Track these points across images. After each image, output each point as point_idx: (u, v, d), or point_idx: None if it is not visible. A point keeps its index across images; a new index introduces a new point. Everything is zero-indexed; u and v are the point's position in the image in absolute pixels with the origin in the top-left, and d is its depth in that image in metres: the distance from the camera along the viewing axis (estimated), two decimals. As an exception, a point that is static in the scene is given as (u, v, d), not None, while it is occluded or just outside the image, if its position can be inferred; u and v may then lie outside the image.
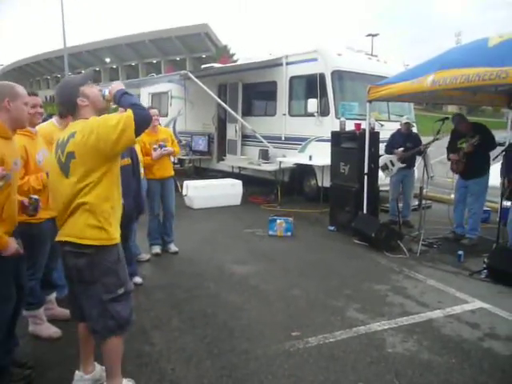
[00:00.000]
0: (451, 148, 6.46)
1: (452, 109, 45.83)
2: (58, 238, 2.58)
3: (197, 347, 3.44)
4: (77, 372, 2.84)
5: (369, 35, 43.36)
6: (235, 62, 19.28)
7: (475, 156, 6.08)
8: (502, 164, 5.63)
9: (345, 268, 5.48)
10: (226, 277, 5.06)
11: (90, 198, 2.44)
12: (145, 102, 14.48)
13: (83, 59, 58.51)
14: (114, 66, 62.03)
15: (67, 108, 2.61)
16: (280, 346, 3.48)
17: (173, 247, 5.87)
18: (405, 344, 3.58)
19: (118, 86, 2.58)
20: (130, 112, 2.37)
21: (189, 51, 54.05)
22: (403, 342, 3.61)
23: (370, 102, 6.62)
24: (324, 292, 4.63)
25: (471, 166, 6.19)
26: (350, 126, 7.24)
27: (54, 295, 3.91)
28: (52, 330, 3.58)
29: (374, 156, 6.83)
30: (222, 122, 11.74)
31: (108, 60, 57.81)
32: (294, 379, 3.05)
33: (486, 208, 7.80)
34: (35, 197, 3.00)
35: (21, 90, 2.73)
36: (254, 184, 10.28)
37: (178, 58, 56.05)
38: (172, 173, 5.68)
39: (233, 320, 3.93)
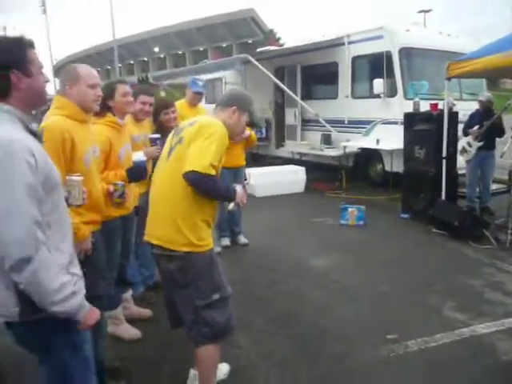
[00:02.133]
0: None
1: (510, 85, 43.25)
2: None
3: (287, 351, 3.20)
4: (192, 370, 2.70)
5: (421, 11, 41.32)
6: (282, 46, 18.84)
7: None
8: None
9: (429, 260, 5.08)
10: (304, 271, 4.79)
11: None
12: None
13: (132, 50, 59.44)
14: (162, 56, 62.68)
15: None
16: (377, 350, 3.19)
17: (242, 239, 5.66)
18: (519, 350, 3.20)
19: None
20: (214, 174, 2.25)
21: (235, 37, 53.70)
22: (516, 347, 3.24)
23: (449, 79, 6.10)
24: (413, 287, 4.28)
25: None
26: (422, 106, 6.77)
27: (129, 293, 3.78)
28: (132, 332, 3.44)
29: (453, 138, 6.32)
30: (279, 106, 11.42)
31: (156, 50, 58.44)
32: (401, 391, 2.76)
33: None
34: (121, 183, 2.85)
35: (84, 71, 2.49)
36: (316, 170, 9.94)
37: (224, 45, 55.87)
38: (244, 162, 5.39)
39: (321, 319, 3.66)
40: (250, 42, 51.37)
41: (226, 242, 5.57)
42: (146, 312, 3.77)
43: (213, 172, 2.22)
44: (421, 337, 3.35)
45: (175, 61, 59.96)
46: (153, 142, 3.68)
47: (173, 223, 2.32)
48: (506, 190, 7.49)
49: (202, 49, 58.71)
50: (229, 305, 2.49)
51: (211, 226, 2.48)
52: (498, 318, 3.66)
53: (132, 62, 64.06)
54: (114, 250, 3.20)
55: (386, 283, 4.39)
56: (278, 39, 48.75)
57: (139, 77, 45.87)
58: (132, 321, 3.53)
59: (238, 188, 2.49)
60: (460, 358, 3.09)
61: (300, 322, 3.64)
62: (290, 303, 3.97)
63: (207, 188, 2.28)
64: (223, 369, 2.85)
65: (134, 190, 3.35)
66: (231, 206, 2.61)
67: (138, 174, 3.21)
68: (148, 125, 3.99)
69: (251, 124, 2.74)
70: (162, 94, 28.66)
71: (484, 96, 6.94)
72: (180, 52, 61.18)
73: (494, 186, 7.61)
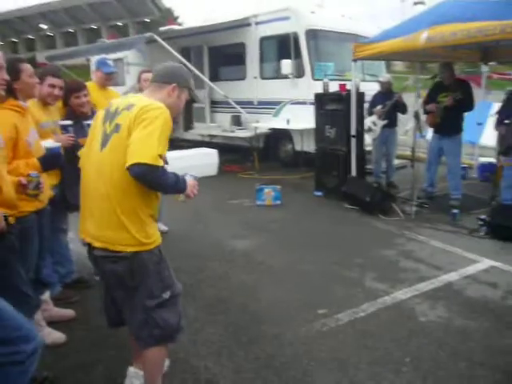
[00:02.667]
0: (430, 101, 6.26)
1: (400, 67, 46.21)
2: None
3: (224, 338, 3.17)
4: (130, 368, 2.57)
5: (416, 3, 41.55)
6: (181, 25, 18.30)
7: (453, 112, 5.95)
8: (498, 115, 5.54)
9: (346, 235, 5.33)
10: (228, 254, 4.77)
11: None
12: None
13: (15, 26, 54.47)
14: (51, 34, 58.24)
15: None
16: (310, 326, 3.28)
17: (162, 226, 5.47)
18: (435, 311, 3.47)
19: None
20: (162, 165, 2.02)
21: (131, 15, 51.37)
22: (432, 309, 3.51)
23: (356, 61, 6.35)
24: (335, 263, 4.46)
25: (446, 123, 6.06)
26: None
27: (47, 294, 3.50)
28: (56, 336, 3.18)
29: (361, 117, 6.63)
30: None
31: (44, 27, 54.13)
32: (337, 363, 2.86)
33: (463, 165, 7.87)
34: (35, 173, 2.51)
35: None
36: (227, 152, 9.90)
37: (119, 23, 53.24)
38: None
39: (252, 303, 3.68)
40: (147, 20, 49.50)
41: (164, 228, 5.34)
42: (69, 312, 3.52)
43: (161, 163, 1.99)
44: (349, 308, 3.51)
45: (66, 39, 56.04)
46: (64, 129, 3.39)
47: (117, 222, 2.10)
48: (410, 165, 8.07)
49: (95, 27, 55.46)
50: (179, 302, 2.37)
51: (156, 219, 2.31)
52: (413, 284, 3.95)
53: (16, 40, 58.73)
54: (30, 250, 2.91)
55: (309, 261, 4.52)
56: (177, 18, 47.54)
57: (26, 57, 42.41)
58: (54, 323, 3.27)
59: (189, 178, 2.32)
60: (385, 325, 3.29)
61: (231, 307, 3.62)
62: (219, 289, 3.94)
63: (156, 181, 2.04)
64: None
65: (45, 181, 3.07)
66: (181, 197, 2.38)
67: (54, 161, 2.92)
68: (56, 110, 3.66)
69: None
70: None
71: (384, 77, 7.34)
72: (71, 30, 57.26)
73: (396, 162, 8.15)
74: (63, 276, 3.94)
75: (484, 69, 8.41)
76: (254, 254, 4.73)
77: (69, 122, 3.38)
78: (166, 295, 2.25)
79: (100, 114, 2.32)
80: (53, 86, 3.35)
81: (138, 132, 2.01)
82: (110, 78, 4.62)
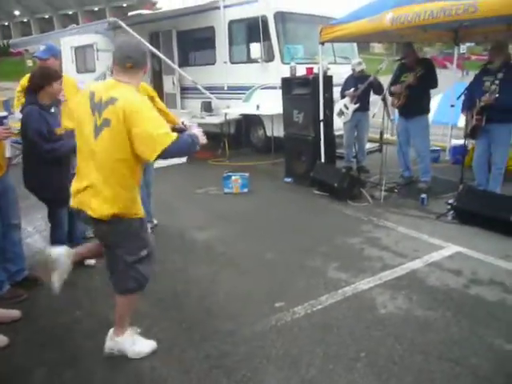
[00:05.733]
0: (395, 82, 6.14)
1: (379, 50, 46.22)
2: None
3: (175, 335, 3.04)
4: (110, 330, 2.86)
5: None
6: (159, 9, 17.96)
7: (417, 91, 5.85)
8: (463, 101, 5.45)
9: (313, 222, 5.21)
10: (189, 246, 4.62)
11: None
12: (67, 57, 13.16)
13: (-12, 13, 52.94)
14: (25, 20, 56.66)
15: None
16: (266, 321, 3.16)
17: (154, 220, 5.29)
18: (395, 302, 3.37)
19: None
20: (175, 136, 2.36)
21: (107, 0, 50.24)
22: (393, 299, 3.41)
23: (323, 44, 6.18)
24: (298, 252, 4.34)
25: (410, 104, 5.96)
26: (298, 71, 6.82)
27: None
28: None
29: (329, 101, 6.48)
30: (156, 74, 10.87)
31: (17, 13, 52.59)
32: (290, 359, 2.74)
33: (435, 148, 7.81)
34: None
35: None
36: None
37: (96, 9, 52.03)
38: None
39: (208, 296, 3.54)
40: (124, 5, 48.42)
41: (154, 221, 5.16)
42: (14, 313, 3.33)
43: (174, 136, 2.33)
44: (307, 301, 3.40)
45: (41, 26, 54.63)
46: None
47: (118, 199, 2.49)
48: (378, 149, 7.98)
49: (71, 12, 54.10)
50: (153, 258, 2.78)
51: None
52: (376, 273, 3.85)
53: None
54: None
55: (272, 250, 4.40)
56: (155, 3, 46.63)
57: (1, 43, 41.28)
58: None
59: (195, 129, 2.59)
60: (344, 317, 3.18)
61: (186, 302, 3.49)
62: (175, 282, 3.79)
63: (181, 151, 2.44)
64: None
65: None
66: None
67: None
68: None
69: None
70: (29, 62, 25.92)
71: (355, 65, 7.14)
72: (47, 16, 55.78)
73: (368, 145, 8.04)
74: (13, 274, 3.77)
75: (458, 50, 8.33)
76: (216, 245, 4.58)
77: (4, 114, 3.17)
78: (144, 253, 2.65)
79: (82, 99, 2.54)
80: None
81: (140, 124, 2.34)
82: (44, 64, 4.30)
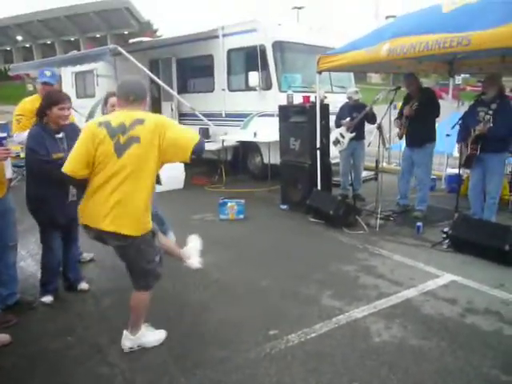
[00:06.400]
0: (402, 111, 6.25)
1: (376, 80, 47.01)
2: None
3: (165, 362, 2.99)
4: (124, 331, 3.13)
5: (294, 8, 42.92)
6: (159, 37, 18.28)
7: (417, 122, 5.93)
8: (459, 131, 5.52)
9: (307, 250, 5.19)
10: (183, 272, 4.51)
11: None
12: (67, 82, 13.33)
13: (-9, 38, 53.75)
14: (28, 45, 57.53)
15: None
16: (260, 349, 3.11)
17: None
18: (390, 331, 3.34)
19: None
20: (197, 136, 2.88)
21: (109, 27, 51.21)
22: (388, 328, 3.38)
23: (320, 73, 6.28)
24: (293, 279, 4.31)
25: (414, 133, 6.05)
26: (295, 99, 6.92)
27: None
28: None
29: (326, 129, 6.55)
30: (155, 100, 11.00)
31: (20, 38, 53.46)
32: (283, 388, 2.70)
33: (432, 176, 7.86)
34: None
35: None
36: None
37: (98, 35, 52.95)
38: None
39: (201, 323, 3.50)
40: (125, 33, 49.35)
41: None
42: (3, 337, 3.28)
43: (198, 136, 2.88)
44: (301, 329, 3.36)
45: (43, 51, 55.43)
46: None
47: (137, 213, 2.81)
48: (374, 177, 8.03)
49: (73, 39, 55.02)
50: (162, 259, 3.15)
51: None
52: (371, 301, 3.82)
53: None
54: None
55: (267, 277, 4.37)
56: (156, 31, 47.55)
57: (2, 68, 41.79)
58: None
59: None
60: (337, 346, 3.14)
61: (178, 327, 3.44)
62: (168, 307, 3.75)
63: (203, 149, 2.92)
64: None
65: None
66: None
67: None
68: None
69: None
70: (30, 87, 26.17)
71: (350, 93, 7.24)
72: (49, 42, 56.66)
73: (364, 174, 8.10)
74: (4, 298, 3.73)
75: (453, 81, 8.48)
76: (210, 271, 4.54)
77: (3, 135, 3.20)
78: (157, 258, 3.06)
79: (99, 132, 2.78)
80: None
81: (173, 132, 2.82)
82: (47, 89, 4.42)
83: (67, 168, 2.81)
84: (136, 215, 2.82)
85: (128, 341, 3.10)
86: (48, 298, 3.88)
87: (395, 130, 6.53)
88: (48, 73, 4.53)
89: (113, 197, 2.76)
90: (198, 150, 2.81)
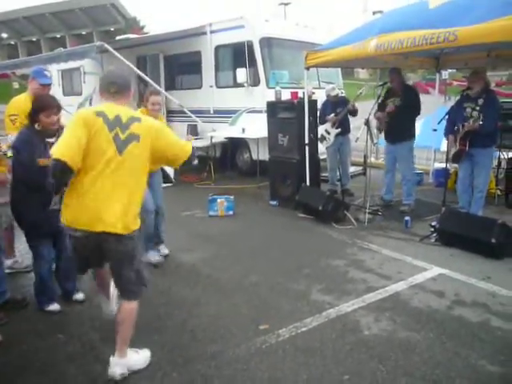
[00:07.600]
0: (381, 106, 6.26)
1: (364, 75, 47.16)
2: None
3: (158, 359, 2.99)
4: (111, 358, 2.79)
5: (281, 4, 42.84)
6: (146, 34, 18.09)
7: (399, 118, 5.97)
8: (446, 126, 5.57)
9: (297, 245, 5.22)
10: (173, 268, 4.59)
11: None
12: (54, 79, 13.17)
13: (-25, 35, 52.92)
14: (12, 42, 56.75)
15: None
16: (250, 343, 3.13)
17: (164, 249, 5.13)
18: (379, 324, 3.38)
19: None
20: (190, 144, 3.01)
21: (95, 24, 50.66)
22: (377, 321, 3.42)
23: (308, 69, 6.30)
24: (283, 275, 4.33)
25: (395, 129, 6.09)
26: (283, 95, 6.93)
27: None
28: None
29: (314, 125, 6.57)
30: (142, 97, 10.91)
31: (4, 35, 52.68)
32: (274, 382, 2.72)
33: (418, 171, 7.93)
34: None
35: None
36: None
37: (83, 32, 52.38)
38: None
39: (192, 319, 3.51)
40: (112, 29, 48.87)
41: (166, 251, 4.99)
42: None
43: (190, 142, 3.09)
44: (291, 323, 3.38)
45: (29, 48, 54.72)
46: None
47: (129, 210, 2.69)
48: (362, 172, 8.07)
49: (58, 36, 54.38)
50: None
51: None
52: (360, 295, 3.86)
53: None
54: None
55: (257, 272, 4.39)
56: (143, 27, 47.19)
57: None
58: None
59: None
60: (328, 339, 3.17)
61: (169, 324, 3.45)
62: (158, 305, 3.75)
63: (195, 155, 3.05)
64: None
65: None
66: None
67: None
68: None
69: None
70: (15, 85, 25.89)
71: (328, 91, 7.25)
72: (34, 39, 55.94)
73: (351, 169, 8.14)
74: None
75: (440, 76, 8.54)
76: (200, 267, 4.56)
77: None
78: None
79: (96, 121, 2.60)
80: None
81: (167, 139, 2.87)
82: (45, 90, 4.35)
83: (61, 153, 2.45)
84: (135, 215, 2.74)
85: (118, 367, 2.76)
86: (55, 307, 3.70)
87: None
88: (48, 73, 4.42)
89: (115, 196, 2.62)
90: (191, 158, 2.95)
